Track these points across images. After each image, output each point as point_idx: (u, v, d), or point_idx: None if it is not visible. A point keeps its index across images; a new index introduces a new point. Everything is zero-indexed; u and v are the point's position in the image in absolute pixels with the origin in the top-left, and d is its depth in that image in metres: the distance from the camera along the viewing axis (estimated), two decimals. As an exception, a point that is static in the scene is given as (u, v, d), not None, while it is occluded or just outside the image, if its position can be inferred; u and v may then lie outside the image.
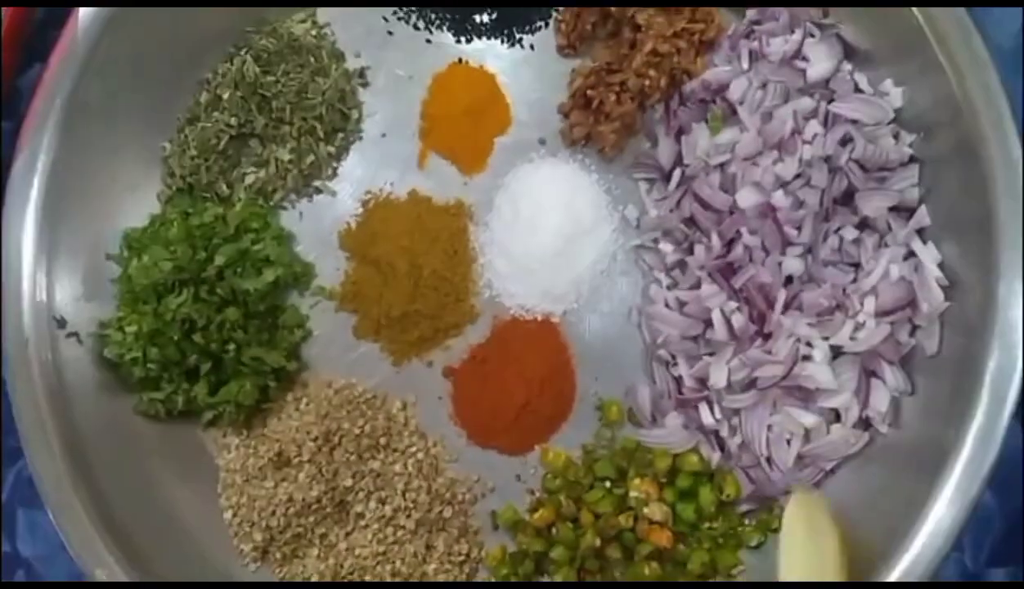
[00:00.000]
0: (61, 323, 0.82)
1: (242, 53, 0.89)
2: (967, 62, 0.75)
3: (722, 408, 0.81)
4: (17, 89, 0.95)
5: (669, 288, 0.85)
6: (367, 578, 0.83)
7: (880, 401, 0.77)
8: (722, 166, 0.83)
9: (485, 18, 0.91)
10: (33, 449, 0.79)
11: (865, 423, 0.79)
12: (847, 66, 0.83)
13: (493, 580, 0.84)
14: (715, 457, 0.81)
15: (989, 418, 0.70)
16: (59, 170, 0.83)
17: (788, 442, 0.79)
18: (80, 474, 0.79)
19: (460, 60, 0.91)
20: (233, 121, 0.87)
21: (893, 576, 0.71)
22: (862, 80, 0.82)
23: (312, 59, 0.90)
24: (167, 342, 0.81)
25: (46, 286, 0.82)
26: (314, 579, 0.83)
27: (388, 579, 0.82)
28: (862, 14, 0.82)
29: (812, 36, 0.83)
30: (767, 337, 0.80)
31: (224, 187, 0.89)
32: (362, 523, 0.84)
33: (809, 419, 0.78)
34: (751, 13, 0.86)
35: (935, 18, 0.77)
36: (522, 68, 0.91)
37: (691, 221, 0.84)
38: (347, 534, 0.84)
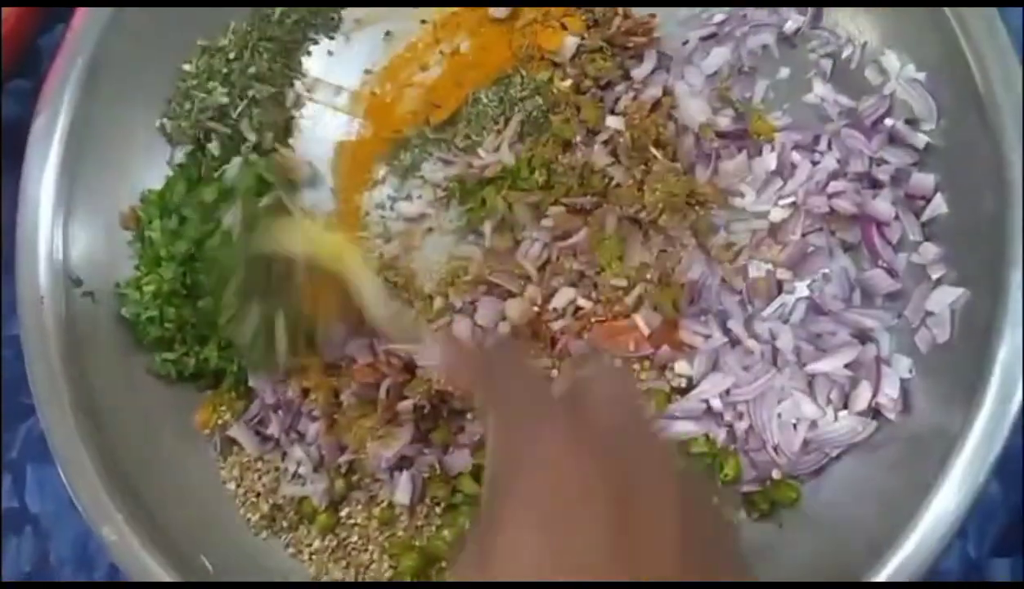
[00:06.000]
0: (77, 282, 0.82)
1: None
2: (991, 52, 0.75)
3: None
4: (38, 49, 0.95)
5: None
6: (370, 547, 0.83)
7: (891, 388, 0.77)
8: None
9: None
10: (45, 405, 0.79)
11: (874, 411, 0.79)
12: (868, 52, 0.83)
13: None
14: (721, 435, 0.80)
15: (998, 406, 0.70)
16: (78, 130, 0.83)
17: (795, 427, 0.79)
18: (90, 431, 0.79)
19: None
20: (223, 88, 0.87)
21: (896, 560, 0.70)
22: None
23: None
24: (184, 302, 0.82)
25: (63, 245, 0.82)
26: (315, 544, 0.83)
27: (386, 547, 0.82)
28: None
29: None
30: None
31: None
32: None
33: (811, 408, 0.78)
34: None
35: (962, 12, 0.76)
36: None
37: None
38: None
